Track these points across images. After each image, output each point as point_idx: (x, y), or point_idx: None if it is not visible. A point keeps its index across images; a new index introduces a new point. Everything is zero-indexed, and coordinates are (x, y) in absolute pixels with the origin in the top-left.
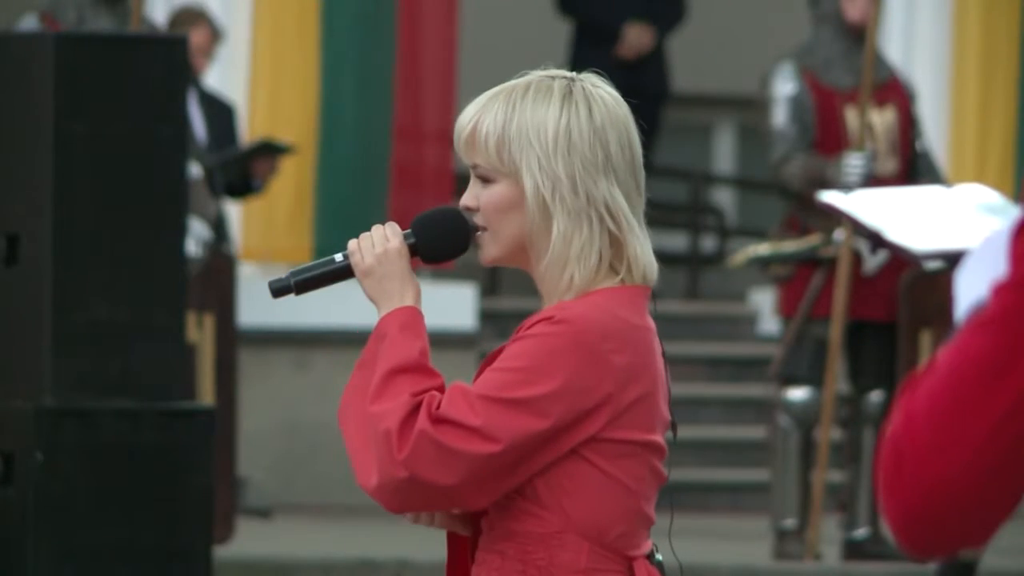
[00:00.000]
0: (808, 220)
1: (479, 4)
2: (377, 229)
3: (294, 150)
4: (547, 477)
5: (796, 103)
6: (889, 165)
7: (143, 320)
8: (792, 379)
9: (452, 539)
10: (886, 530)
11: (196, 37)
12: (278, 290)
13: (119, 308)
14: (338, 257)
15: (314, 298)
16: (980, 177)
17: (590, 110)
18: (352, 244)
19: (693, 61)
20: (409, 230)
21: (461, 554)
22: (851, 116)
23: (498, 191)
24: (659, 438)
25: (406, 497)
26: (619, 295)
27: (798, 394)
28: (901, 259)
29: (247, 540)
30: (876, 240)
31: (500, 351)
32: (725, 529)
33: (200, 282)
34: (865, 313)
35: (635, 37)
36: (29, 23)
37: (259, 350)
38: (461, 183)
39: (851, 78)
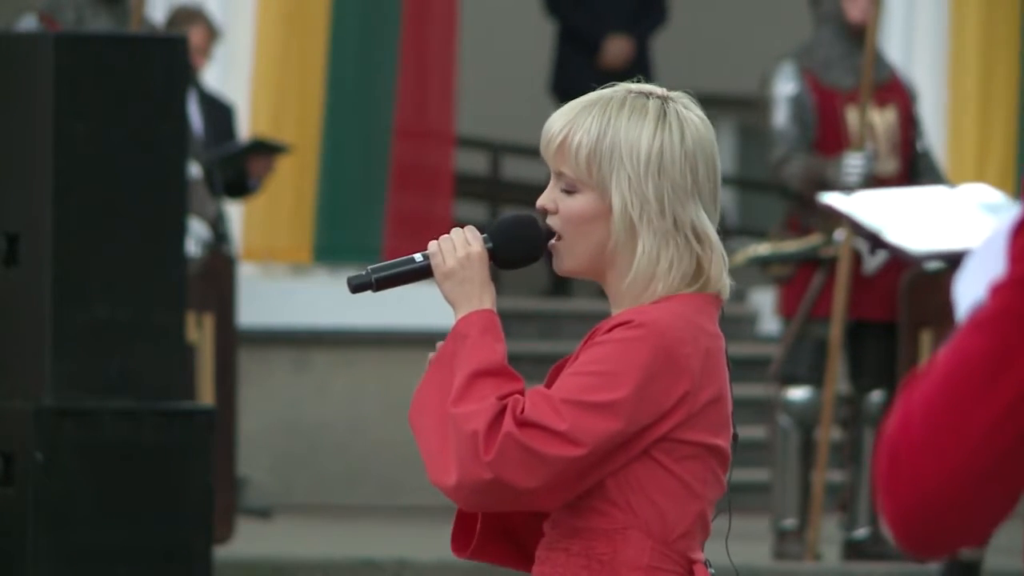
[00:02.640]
0: (808, 220)
1: (479, 5)
2: (457, 232)
3: (289, 150)
4: (616, 475)
5: (796, 103)
6: (890, 165)
7: (143, 320)
8: (792, 379)
9: (461, 518)
10: (886, 530)
11: (194, 36)
12: (358, 286)
13: (119, 308)
14: (418, 257)
15: (314, 298)
16: (980, 176)
17: (683, 133)
18: (433, 245)
19: (692, 61)
20: (486, 234)
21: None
22: (852, 116)
23: (581, 203)
24: (724, 443)
25: (485, 498)
26: (693, 301)
27: (798, 394)
28: (901, 260)
29: (247, 540)
30: (875, 241)
31: (568, 360)
32: (725, 528)
33: (200, 282)
34: (865, 313)
35: (616, 50)
36: (28, 23)
37: (259, 350)
38: (461, 184)
39: (852, 78)
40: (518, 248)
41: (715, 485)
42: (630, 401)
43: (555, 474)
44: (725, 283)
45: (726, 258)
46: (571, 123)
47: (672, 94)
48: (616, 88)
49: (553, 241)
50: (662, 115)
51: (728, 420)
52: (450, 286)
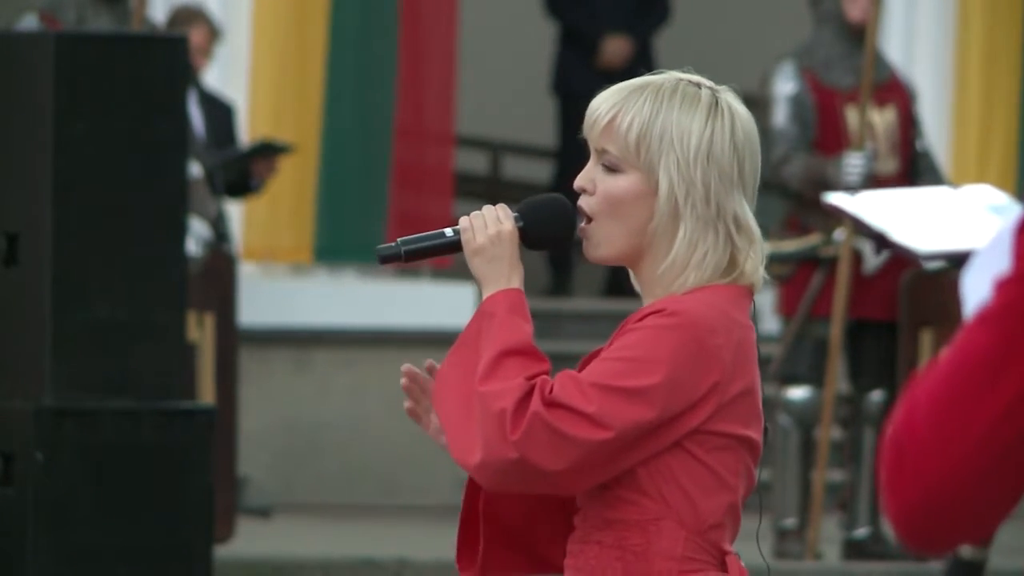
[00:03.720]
0: (808, 220)
1: (479, 5)
2: (489, 209)
3: (293, 150)
4: (647, 464)
5: (796, 103)
6: (889, 165)
7: (143, 320)
8: (792, 378)
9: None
10: (886, 529)
11: (195, 36)
12: (386, 256)
13: (119, 308)
14: (448, 232)
15: (314, 298)
16: (982, 177)
17: (733, 125)
18: (464, 221)
19: (691, 61)
20: (517, 214)
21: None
22: (851, 116)
23: (624, 182)
24: (756, 435)
25: (508, 477)
26: (726, 293)
27: (798, 393)
28: (903, 259)
29: (247, 539)
30: (881, 241)
31: (600, 350)
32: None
33: (200, 281)
34: (865, 313)
35: (614, 50)
36: (29, 22)
37: (259, 349)
38: (461, 183)
39: (852, 78)
40: (548, 229)
41: (747, 477)
42: (660, 388)
43: (581, 457)
44: (759, 277)
45: (765, 252)
46: (622, 103)
47: (720, 87)
48: (666, 75)
49: (584, 224)
50: (714, 104)
51: (759, 412)
52: (479, 263)
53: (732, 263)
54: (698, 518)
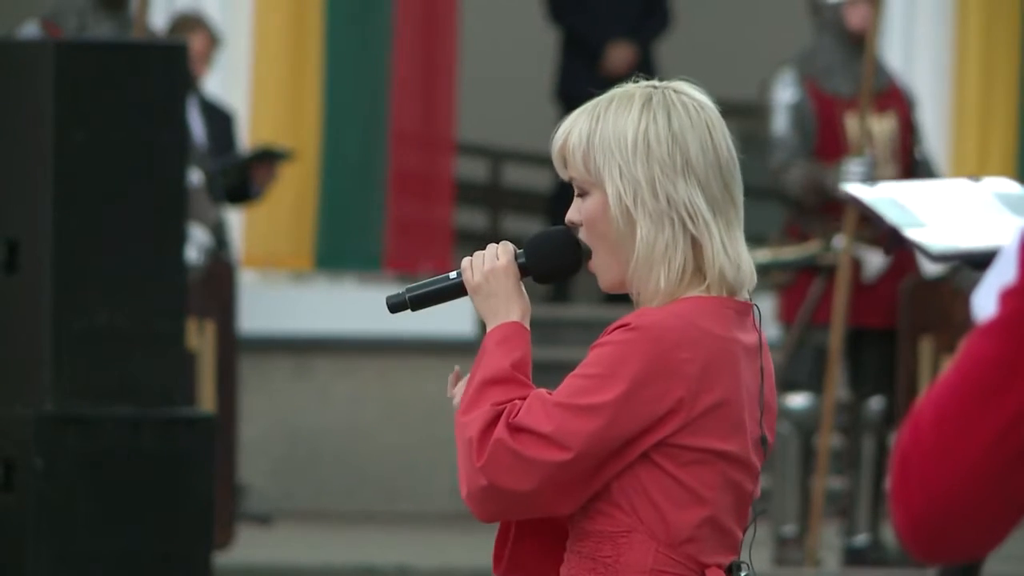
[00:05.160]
0: (808, 227)
1: (478, 10)
2: (491, 247)
3: (293, 156)
4: (620, 477)
5: (796, 110)
6: (889, 172)
7: (143, 327)
8: (792, 385)
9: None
10: (886, 537)
11: (195, 43)
12: (395, 305)
13: (119, 315)
14: (452, 275)
15: (314, 305)
16: None
17: (668, 116)
18: (465, 262)
19: (691, 68)
20: (521, 250)
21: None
22: (851, 123)
23: (591, 203)
24: (736, 448)
25: (488, 504)
26: (703, 304)
27: (798, 400)
28: (902, 266)
29: (247, 547)
30: (894, 236)
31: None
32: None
33: (201, 289)
34: (865, 320)
35: (618, 56)
36: (30, 30)
37: (259, 357)
38: (461, 190)
39: (852, 85)
40: (551, 262)
41: (730, 491)
42: (618, 404)
43: (546, 478)
44: (735, 268)
45: (736, 240)
46: (568, 127)
47: (665, 83)
48: (614, 88)
49: (588, 261)
50: (647, 101)
51: (744, 425)
52: (478, 301)
53: (699, 255)
54: (669, 532)
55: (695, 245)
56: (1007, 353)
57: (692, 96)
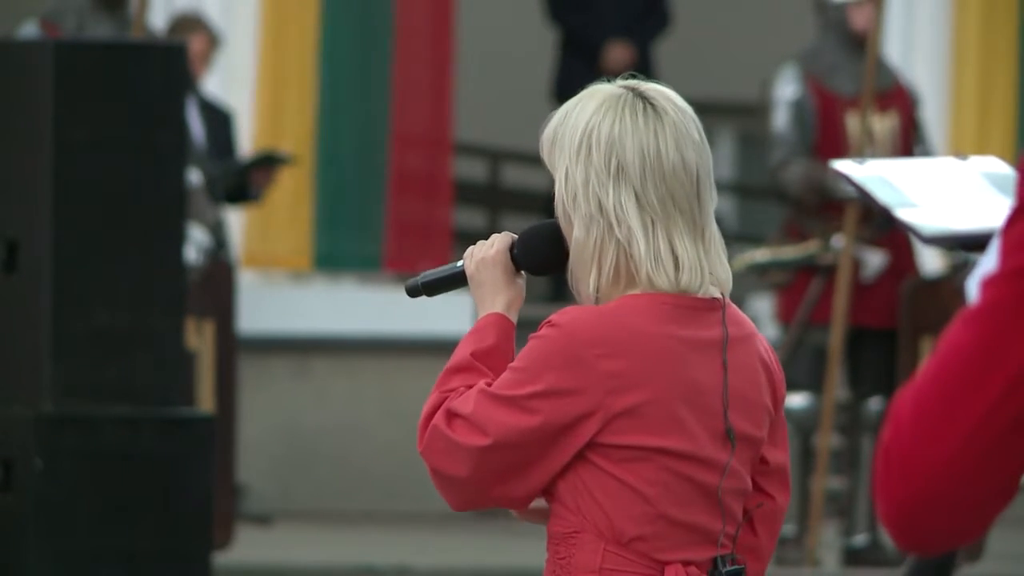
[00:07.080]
0: (807, 226)
1: (476, 12)
2: (492, 237)
3: (294, 161)
4: (565, 478)
5: (798, 107)
6: None
7: (143, 327)
8: (791, 385)
9: None
10: (885, 537)
11: (195, 44)
12: (412, 290)
13: (119, 315)
14: (459, 263)
15: (313, 305)
16: None
17: (614, 120)
18: (468, 250)
19: (692, 67)
20: (515, 240)
21: None
22: (852, 122)
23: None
24: (676, 444)
25: (444, 491)
26: (634, 302)
27: (797, 400)
28: (901, 267)
29: (246, 547)
30: (886, 216)
31: None
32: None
33: (200, 289)
34: (865, 320)
35: (617, 56)
36: (29, 30)
37: (258, 357)
38: (461, 191)
39: (855, 84)
40: (537, 254)
41: (680, 485)
42: (535, 397)
43: (474, 463)
44: (660, 274)
45: (683, 244)
46: (548, 123)
47: (641, 83)
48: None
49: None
50: (605, 103)
51: (679, 419)
52: (472, 289)
53: (628, 261)
54: (615, 530)
55: (624, 250)
56: (987, 340)
57: (657, 100)
